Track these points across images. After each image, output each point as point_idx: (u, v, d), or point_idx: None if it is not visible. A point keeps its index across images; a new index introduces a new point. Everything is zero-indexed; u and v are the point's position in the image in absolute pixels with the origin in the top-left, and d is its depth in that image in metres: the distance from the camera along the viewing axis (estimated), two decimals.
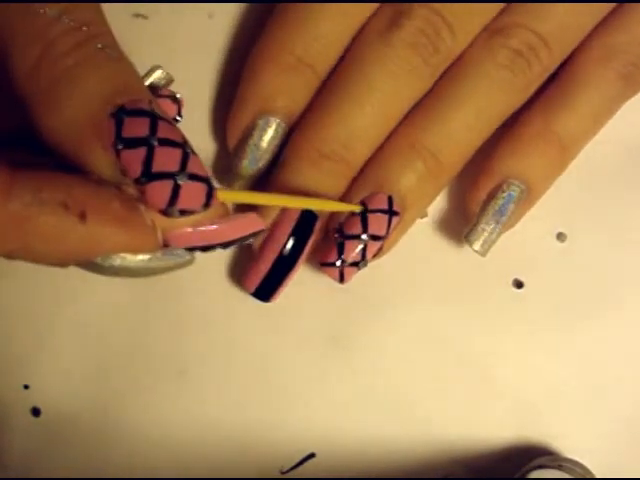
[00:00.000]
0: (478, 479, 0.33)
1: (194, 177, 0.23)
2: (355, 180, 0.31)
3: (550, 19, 0.30)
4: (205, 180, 0.24)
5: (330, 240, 0.31)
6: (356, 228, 0.30)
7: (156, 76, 0.28)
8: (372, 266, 0.33)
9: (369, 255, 0.31)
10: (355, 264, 0.30)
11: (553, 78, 0.32)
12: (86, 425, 0.35)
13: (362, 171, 0.31)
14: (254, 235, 0.26)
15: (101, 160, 0.23)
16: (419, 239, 0.33)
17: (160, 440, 0.34)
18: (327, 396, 0.34)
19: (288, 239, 0.30)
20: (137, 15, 0.34)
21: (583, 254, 0.33)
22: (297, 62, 0.30)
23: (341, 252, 0.30)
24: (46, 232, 0.22)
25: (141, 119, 0.23)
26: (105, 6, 0.25)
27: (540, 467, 0.31)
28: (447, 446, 0.33)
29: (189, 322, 0.34)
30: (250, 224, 0.26)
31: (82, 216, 0.22)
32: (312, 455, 0.34)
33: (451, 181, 0.32)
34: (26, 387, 0.35)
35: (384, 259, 0.33)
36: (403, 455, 0.33)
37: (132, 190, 0.24)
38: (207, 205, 0.24)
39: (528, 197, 0.31)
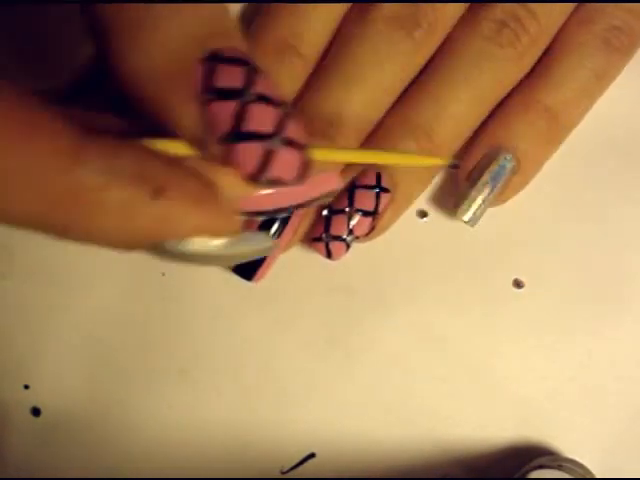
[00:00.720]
0: (478, 479, 0.33)
1: (290, 143, 0.20)
2: None
3: None
4: (302, 148, 0.21)
5: (320, 217, 0.31)
6: (342, 203, 0.30)
7: None
8: (372, 266, 0.33)
9: (359, 232, 0.30)
10: (342, 239, 0.30)
11: None
12: (86, 425, 0.35)
13: None
14: (329, 195, 0.24)
15: (185, 111, 0.20)
16: (419, 239, 0.33)
17: (160, 440, 0.34)
18: (327, 396, 0.34)
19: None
20: None
21: (583, 254, 0.33)
22: (282, 45, 0.30)
23: (328, 227, 0.30)
24: (114, 207, 0.19)
25: (236, 68, 0.20)
26: None
27: (540, 467, 0.31)
28: (447, 446, 0.33)
29: (189, 322, 0.34)
30: (326, 182, 0.24)
31: (157, 192, 0.19)
32: (312, 455, 0.34)
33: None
34: (26, 387, 0.35)
35: (384, 260, 0.33)
36: (403, 455, 0.33)
37: (215, 150, 0.21)
38: (301, 178, 0.21)
39: (520, 168, 0.30)
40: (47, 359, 0.35)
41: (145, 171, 0.20)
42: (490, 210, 0.31)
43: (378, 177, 0.30)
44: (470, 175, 0.31)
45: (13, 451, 0.35)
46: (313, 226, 0.31)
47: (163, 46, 0.20)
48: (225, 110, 0.20)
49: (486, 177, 0.30)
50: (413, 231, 0.33)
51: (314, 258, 0.33)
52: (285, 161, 0.20)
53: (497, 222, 0.32)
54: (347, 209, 0.30)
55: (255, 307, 0.34)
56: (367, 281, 0.33)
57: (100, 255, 0.34)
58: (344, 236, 0.30)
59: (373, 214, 0.30)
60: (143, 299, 0.34)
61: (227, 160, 0.21)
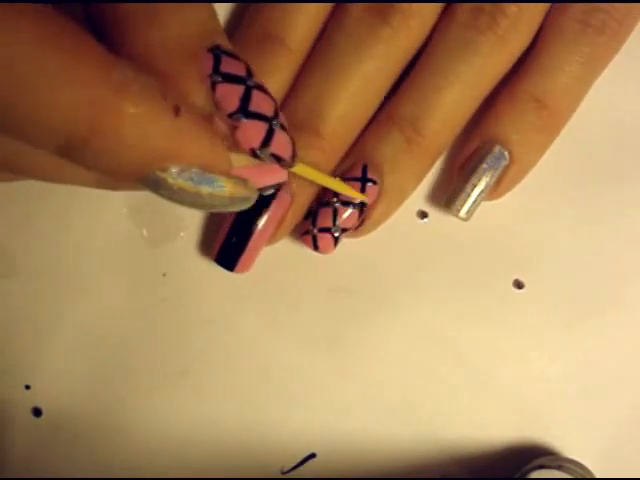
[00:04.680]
0: (478, 479, 0.33)
1: (284, 129, 0.24)
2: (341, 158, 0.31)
3: None
4: (291, 137, 0.24)
5: (310, 213, 0.31)
6: (328, 195, 0.31)
7: None
8: (372, 267, 0.33)
9: (348, 224, 0.30)
10: (329, 231, 0.30)
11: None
12: (87, 425, 0.35)
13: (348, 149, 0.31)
14: (274, 186, 0.26)
15: (196, 90, 0.23)
16: (419, 239, 0.33)
17: (161, 440, 0.34)
18: (328, 396, 0.34)
19: None
20: None
21: (583, 254, 0.33)
22: (264, 36, 0.30)
23: (315, 219, 0.31)
24: (140, 116, 0.20)
25: (238, 62, 0.23)
26: None
27: (540, 467, 0.31)
28: (447, 446, 0.33)
29: (190, 322, 0.34)
30: (275, 174, 0.26)
31: (176, 110, 0.21)
32: (313, 455, 0.34)
33: (439, 155, 0.32)
34: (27, 387, 0.35)
35: (385, 260, 0.33)
36: (403, 455, 0.33)
37: (222, 125, 0.23)
38: (293, 158, 0.24)
39: (512, 159, 0.30)
40: (48, 359, 0.35)
41: (166, 90, 0.21)
42: (490, 210, 0.31)
43: (364, 169, 0.30)
44: (463, 169, 0.31)
45: (14, 451, 0.35)
46: (303, 222, 0.31)
47: (178, 30, 0.23)
48: (233, 91, 0.23)
49: (479, 170, 0.30)
50: (413, 231, 0.33)
51: (314, 258, 0.33)
52: (283, 141, 0.24)
53: (497, 222, 0.33)
54: (333, 199, 0.30)
55: (255, 307, 0.34)
56: (367, 281, 0.33)
57: (101, 256, 0.34)
58: (331, 228, 0.31)
59: (361, 206, 0.30)
60: (144, 300, 0.34)
61: (233, 135, 0.23)
